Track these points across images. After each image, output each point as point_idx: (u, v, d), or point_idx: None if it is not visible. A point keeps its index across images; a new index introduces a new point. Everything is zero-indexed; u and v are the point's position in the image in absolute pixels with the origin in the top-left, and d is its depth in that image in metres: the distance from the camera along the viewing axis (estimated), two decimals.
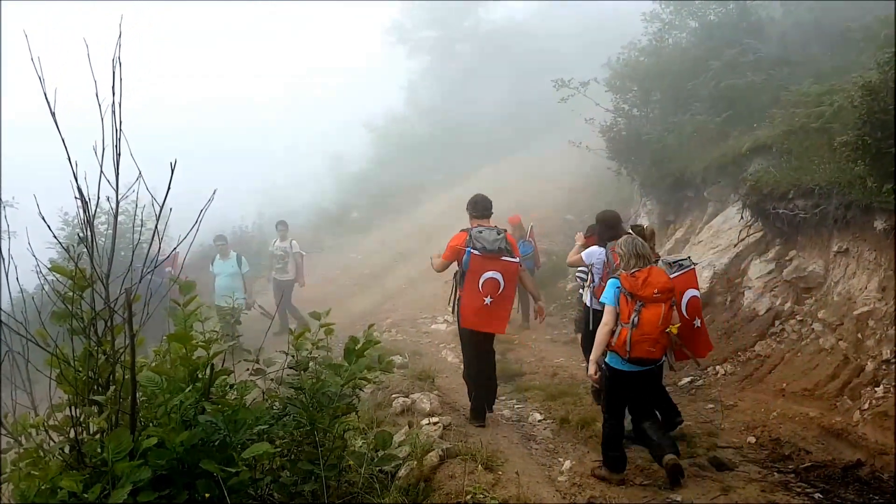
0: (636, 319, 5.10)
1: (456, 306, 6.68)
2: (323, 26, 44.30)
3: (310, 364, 3.80)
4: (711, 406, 7.18)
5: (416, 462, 5.04)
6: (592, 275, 6.85)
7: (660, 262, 5.83)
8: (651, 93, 14.06)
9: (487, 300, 6.32)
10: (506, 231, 6.59)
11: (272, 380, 3.76)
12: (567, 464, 5.76)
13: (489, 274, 6.33)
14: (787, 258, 8.51)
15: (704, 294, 9.46)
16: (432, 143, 28.84)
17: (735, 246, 9.59)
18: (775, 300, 8.37)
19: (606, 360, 5.37)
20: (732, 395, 7.36)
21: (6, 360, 2.70)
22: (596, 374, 5.42)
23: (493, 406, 7.00)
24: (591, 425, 6.50)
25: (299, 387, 3.55)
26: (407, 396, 7.16)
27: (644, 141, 12.97)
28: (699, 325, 5.92)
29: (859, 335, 6.66)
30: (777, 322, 8.14)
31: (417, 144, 29.35)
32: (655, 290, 5.13)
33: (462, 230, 6.66)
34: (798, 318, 7.89)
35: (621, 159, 14.15)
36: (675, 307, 5.36)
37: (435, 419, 6.43)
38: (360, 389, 3.89)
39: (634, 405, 5.51)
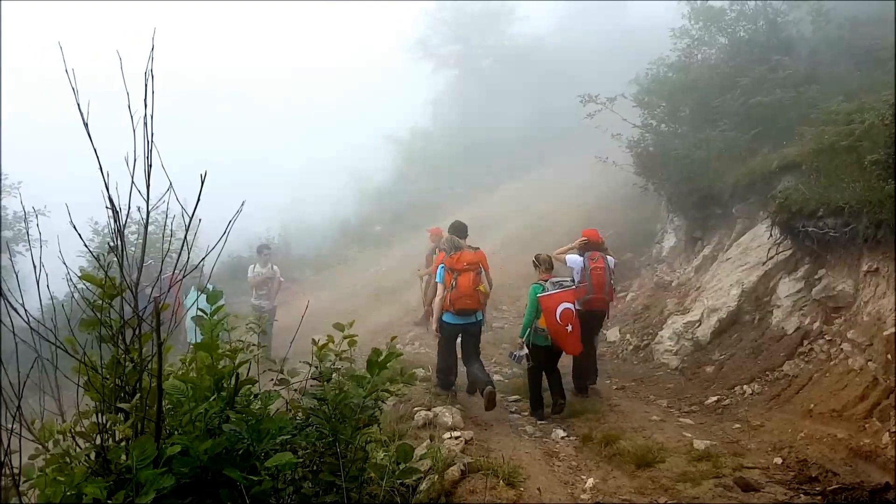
0: (454, 283, 7.94)
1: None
2: (348, 40, 44.73)
3: (333, 375, 3.80)
4: (738, 426, 7.08)
5: (437, 476, 5.02)
6: (573, 276, 8.69)
7: (548, 282, 7.81)
8: (679, 109, 14.01)
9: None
10: (479, 248, 8.49)
11: (295, 390, 3.77)
12: (590, 481, 5.70)
13: None
14: (816, 277, 8.41)
15: (732, 312, 9.39)
16: (454, 158, 28.90)
17: (764, 264, 9.49)
18: (804, 319, 8.26)
19: (443, 319, 8.06)
20: (759, 415, 7.26)
21: (35, 367, 2.73)
22: (438, 331, 8.19)
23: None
24: (615, 443, 6.44)
25: (322, 397, 3.55)
26: (429, 410, 7.15)
27: (672, 157, 12.89)
28: (571, 329, 7.62)
29: (889, 356, 6.54)
30: (805, 342, 8.03)
31: (440, 159, 29.42)
32: (465, 263, 8.04)
33: (441, 249, 8.81)
34: (827, 337, 7.78)
35: (648, 175, 14.09)
36: (481, 275, 8.13)
37: (457, 433, 6.42)
38: (383, 402, 3.89)
39: (465, 353, 8.25)
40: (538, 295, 7.64)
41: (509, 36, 33.19)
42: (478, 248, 8.47)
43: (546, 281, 7.83)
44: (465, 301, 7.91)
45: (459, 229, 8.81)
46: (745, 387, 8.06)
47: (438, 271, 8.17)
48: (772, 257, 9.38)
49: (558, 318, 7.54)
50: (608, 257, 8.90)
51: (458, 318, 8.03)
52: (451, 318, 8.03)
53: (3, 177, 19.15)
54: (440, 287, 8.04)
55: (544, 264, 8.04)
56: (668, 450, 6.28)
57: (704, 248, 12.25)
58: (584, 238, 9.02)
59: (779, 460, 6.04)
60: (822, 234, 8.11)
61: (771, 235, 9.37)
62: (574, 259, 8.86)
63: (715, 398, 8.09)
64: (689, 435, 6.81)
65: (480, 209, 22.88)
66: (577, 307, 8.12)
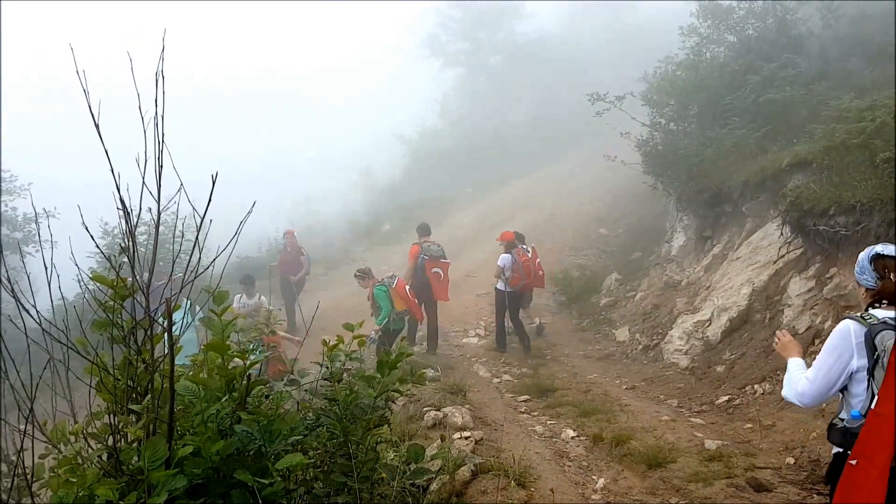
0: None
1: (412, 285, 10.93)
2: (356, 38, 44.78)
3: (343, 375, 3.80)
4: (749, 426, 7.05)
5: (448, 476, 5.01)
6: (504, 271, 11.00)
7: (385, 279, 10.21)
8: (688, 107, 13.94)
9: (436, 284, 11.03)
10: (440, 244, 11.49)
11: (306, 391, 3.77)
12: (601, 482, 5.69)
13: (435, 269, 11.08)
14: (827, 276, 8.35)
15: (742, 311, 9.34)
16: (463, 156, 28.92)
17: (774, 263, 9.43)
18: (815, 318, 8.21)
19: None
20: (771, 415, 7.22)
21: (47, 368, 2.74)
22: None
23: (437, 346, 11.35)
24: (625, 443, 6.41)
25: (333, 398, 3.55)
26: (439, 410, 7.14)
27: (681, 155, 12.84)
28: (417, 301, 10.56)
29: None
30: (817, 341, 7.96)
31: (448, 157, 29.44)
32: None
33: (414, 243, 11.47)
34: None
35: (657, 173, 14.05)
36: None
37: (467, 433, 6.41)
38: (393, 402, 3.89)
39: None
40: (391, 288, 10.00)
41: (518, 33, 33.15)
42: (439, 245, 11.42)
43: (381, 280, 10.24)
44: None
45: (426, 229, 11.73)
46: (756, 386, 8.01)
47: None
48: (782, 256, 9.32)
49: (409, 296, 10.20)
50: (524, 246, 11.36)
51: None
52: None
53: (11, 178, 19.30)
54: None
55: (367, 275, 10.53)
56: (679, 450, 6.25)
57: (714, 246, 12.19)
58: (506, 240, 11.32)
59: (791, 460, 6.01)
60: (833, 232, 8.05)
61: (781, 234, 9.30)
62: (504, 258, 11.07)
63: (726, 398, 8.06)
64: (701, 435, 6.78)
65: (489, 206, 22.88)
66: (510, 290, 11.04)
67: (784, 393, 3.46)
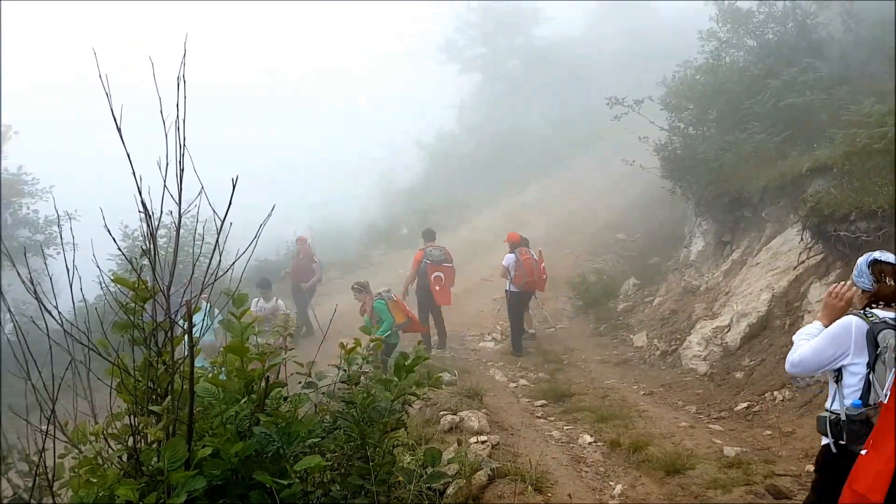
0: None
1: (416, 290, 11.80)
2: (376, 43, 44.99)
3: (361, 378, 3.81)
4: (769, 432, 6.99)
5: (464, 481, 5.00)
6: (509, 270, 11.36)
7: (382, 293, 10.09)
8: (708, 111, 13.87)
9: (437, 288, 11.42)
10: (445, 248, 11.88)
11: (324, 393, 3.78)
12: (618, 488, 5.66)
13: (437, 273, 11.47)
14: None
15: (762, 317, 9.26)
16: (480, 160, 28.91)
17: (794, 268, 9.34)
18: None
19: None
20: (790, 422, 7.15)
21: (69, 369, 2.76)
22: None
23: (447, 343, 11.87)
24: (643, 449, 6.37)
25: (350, 401, 3.56)
26: (455, 414, 7.13)
27: (700, 160, 12.78)
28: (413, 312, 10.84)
29: None
30: None
31: (466, 161, 29.45)
32: None
33: (420, 249, 11.94)
34: None
35: (676, 178, 13.97)
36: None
37: (483, 438, 6.41)
38: (409, 405, 3.89)
39: None
40: (392, 300, 10.00)
41: (536, 37, 33.13)
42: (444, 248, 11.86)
43: (378, 294, 10.05)
44: None
45: (431, 235, 12.11)
46: (775, 393, 7.94)
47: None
48: (803, 262, 9.23)
49: (409, 309, 10.56)
50: (530, 250, 11.57)
51: None
52: None
53: (33, 180, 19.59)
54: None
55: (365, 289, 10.32)
56: (697, 456, 6.21)
57: (733, 252, 12.10)
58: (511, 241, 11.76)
59: (810, 468, 5.93)
60: (854, 237, 7.97)
61: (802, 239, 9.23)
62: (508, 257, 11.45)
63: (745, 404, 7.99)
64: (719, 441, 6.73)
65: (507, 210, 22.88)
66: (515, 290, 11.31)
67: (795, 338, 3.75)
